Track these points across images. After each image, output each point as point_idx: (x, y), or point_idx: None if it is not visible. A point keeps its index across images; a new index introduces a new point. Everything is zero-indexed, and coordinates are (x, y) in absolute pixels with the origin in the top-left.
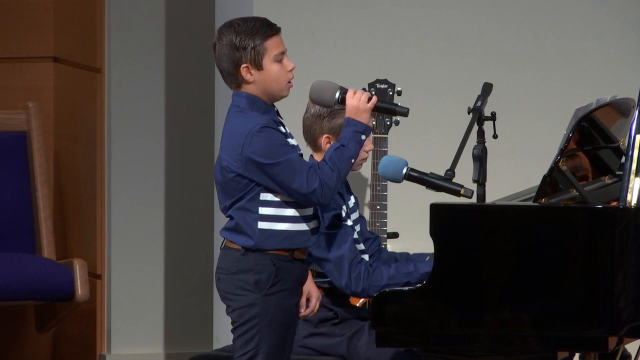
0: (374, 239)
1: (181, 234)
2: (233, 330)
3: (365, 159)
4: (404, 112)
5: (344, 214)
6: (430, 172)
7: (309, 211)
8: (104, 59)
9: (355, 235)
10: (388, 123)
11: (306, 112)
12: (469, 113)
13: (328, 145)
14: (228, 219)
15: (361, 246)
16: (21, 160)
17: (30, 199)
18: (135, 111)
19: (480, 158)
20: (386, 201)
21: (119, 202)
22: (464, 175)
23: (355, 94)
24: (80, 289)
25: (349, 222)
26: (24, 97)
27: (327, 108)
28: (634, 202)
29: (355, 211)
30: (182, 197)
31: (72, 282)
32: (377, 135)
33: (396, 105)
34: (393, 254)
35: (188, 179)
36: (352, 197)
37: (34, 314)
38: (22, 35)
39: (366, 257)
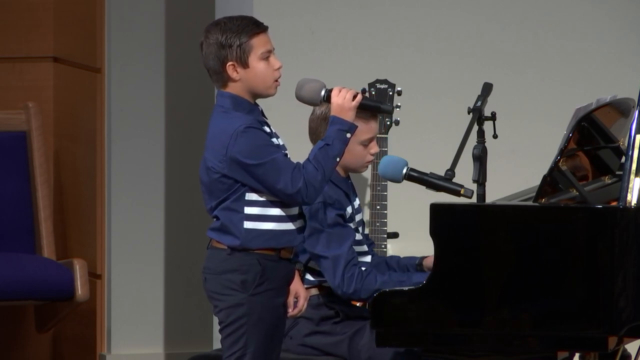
0: (369, 244)
1: (181, 234)
2: (220, 331)
3: (371, 161)
4: (389, 110)
5: (347, 215)
6: (430, 172)
7: (295, 210)
8: (104, 59)
9: (359, 237)
10: (388, 123)
11: (312, 114)
12: (469, 113)
13: None
14: (214, 219)
15: (364, 247)
16: (21, 160)
17: (30, 199)
18: (135, 111)
19: (480, 158)
20: (386, 201)
21: (119, 202)
22: (464, 175)
23: (340, 92)
24: (80, 289)
25: (353, 225)
26: (24, 97)
27: (312, 106)
28: (634, 202)
29: (360, 213)
30: (182, 197)
31: (72, 282)
32: (377, 135)
33: (381, 103)
34: (383, 258)
35: (188, 179)
36: (357, 199)
37: (34, 314)
38: (22, 35)
39: (369, 258)
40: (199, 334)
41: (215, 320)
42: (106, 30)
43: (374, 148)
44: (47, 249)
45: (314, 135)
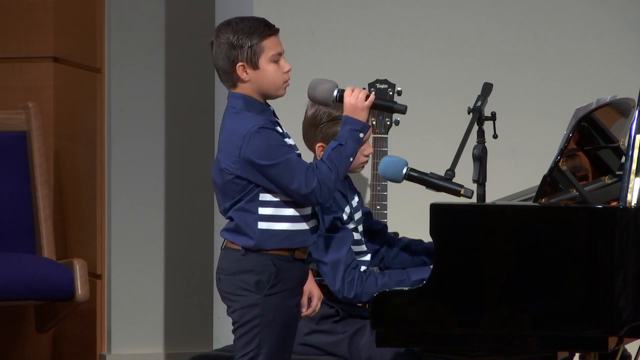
0: (382, 229)
1: (181, 234)
2: (234, 331)
3: (365, 162)
4: (402, 110)
5: (345, 217)
6: (430, 172)
7: (308, 210)
8: (104, 59)
9: (358, 237)
10: (388, 123)
11: (304, 116)
12: (469, 113)
13: (322, 154)
14: (228, 220)
15: (363, 247)
16: (21, 160)
17: (30, 199)
18: (135, 111)
19: (480, 158)
20: (386, 201)
21: (119, 202)
22: (464, 175)
23: (353, 92)
24: (80, 289)
25: (352, 225)
26: (24, 97)
27: (325, 106)
28: (634, 202)
29: (359, 210)
30: (182, 197)
31: (72, 282)
32: (377, 135)
33: (394, 102)
34: (405, 240)
35: (188, 179)
36: (355, 196)
37: (34, 314)
38: (22, 35)
39: (368, 257)
40: (199, 334)
41: (215, 320)
42: (106, 30)
43: (367, 149)
44: (47, 249)
45: (305, 137)
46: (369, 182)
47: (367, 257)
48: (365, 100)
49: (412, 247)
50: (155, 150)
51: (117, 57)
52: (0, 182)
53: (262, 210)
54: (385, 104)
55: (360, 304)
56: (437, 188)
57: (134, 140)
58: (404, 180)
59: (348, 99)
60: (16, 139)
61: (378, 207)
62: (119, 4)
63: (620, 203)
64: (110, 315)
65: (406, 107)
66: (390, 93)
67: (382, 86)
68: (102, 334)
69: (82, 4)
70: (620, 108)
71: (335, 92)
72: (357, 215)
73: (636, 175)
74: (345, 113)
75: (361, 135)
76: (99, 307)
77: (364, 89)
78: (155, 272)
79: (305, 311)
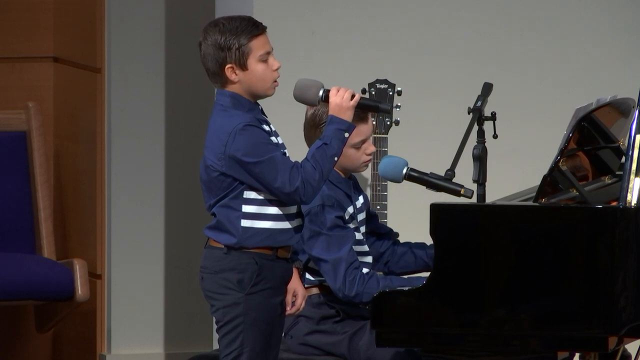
0: (387, 233)
1: (181, 234)
2: (218, 330)
3: (368, 161)
4: (387, 110)
5: (347, 217)
6: (430, 172)
7: (292, 209)
8: (104, 59)
9: (360, 237)
10: (388, 123)
11: (305, 118)
12: (469, 113)
13: None
14: (212, 217)
15: (364, 247)
16: (21, 160)
17: (30, 199)
18: (135, 111)
19: (480, 158)
20: (386, 201)
21: (119, 202)
22: (464, 175)
23: (338, 91)
24: (80, 289)
25: (354, 224)
26: (24, 97)
27: (311, 106)
28: (634, 202)
29: (363, 211)
30: (182, 197)
31: (72, 282)
32: (377, 135)
33: (379, 102)
34: (408, 246)
35: (188, 178)
36: (360, 197)
37: (34, 314)
38: (22, 35)
39: (369, 258)
40: (199, 334)
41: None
42: (106, 30)
43: (370, 148)
44: (47, 249)
45: (306, 138)
46: (369, 182)
47: (369, 259)
48: (351, 99)
49: (414, 250)
50: (155, 150)
51: (117, 57)
52: (0, 182)
53: (246, 208)
54: (371, 104)
55: (361, 305)
56: (437, 188)
57: (134, 140)
58: (404, 180)
59: (333, 98)
60: (16, 139)
61: (378, 207)
62: (119, 4)
63: (620, 203)
64: (110, 315)
65: (392, 107)
66: (390, 93)
67: (382, 86)
68: (102, 334)
69: (82, 4)
70: (620, 108)
71: (320, 92)
72: (361, 217)
73: (636, 175)
74: (330, 112)
75: (346, 135)
76: (99, 307)
77: (363, 89)
78: (155, 272)
79: (289, 310)
